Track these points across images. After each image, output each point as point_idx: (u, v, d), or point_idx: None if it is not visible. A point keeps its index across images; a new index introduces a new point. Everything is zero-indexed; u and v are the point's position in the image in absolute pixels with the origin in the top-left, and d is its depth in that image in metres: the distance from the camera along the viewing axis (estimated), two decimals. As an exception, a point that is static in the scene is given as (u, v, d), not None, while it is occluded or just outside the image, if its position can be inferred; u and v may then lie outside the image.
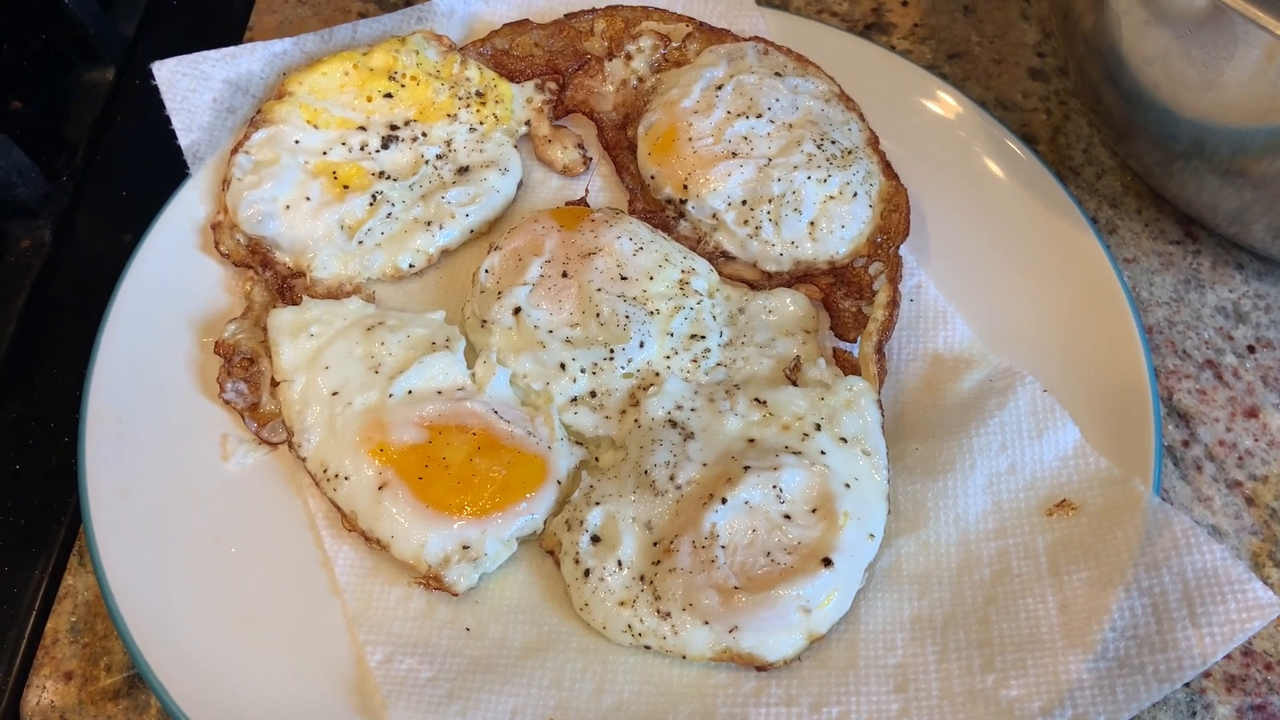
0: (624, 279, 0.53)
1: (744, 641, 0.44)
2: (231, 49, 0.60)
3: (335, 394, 0.49)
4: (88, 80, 0.67)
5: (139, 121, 0.65)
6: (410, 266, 0.56)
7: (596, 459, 0.50)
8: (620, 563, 0.46)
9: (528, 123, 0.60)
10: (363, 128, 0.58)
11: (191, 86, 0.57)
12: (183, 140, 0.57)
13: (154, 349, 0.51)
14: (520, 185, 0.59)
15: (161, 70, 0.57)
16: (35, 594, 0.48)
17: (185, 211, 0.54)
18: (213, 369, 0.51)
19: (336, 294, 0.54)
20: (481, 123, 0.59)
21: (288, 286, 0.54)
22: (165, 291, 0.52)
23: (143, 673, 0.42)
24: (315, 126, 0.57)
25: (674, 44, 0.61)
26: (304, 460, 0.49)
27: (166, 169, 0.63)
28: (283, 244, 0.55)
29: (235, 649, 0.44)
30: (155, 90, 0.65)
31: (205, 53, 0.59)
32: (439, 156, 0.58)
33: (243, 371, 0.51)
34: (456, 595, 0.45)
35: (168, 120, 0.62)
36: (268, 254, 0.54)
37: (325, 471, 0.48)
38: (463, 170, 0.58)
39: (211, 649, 0.43)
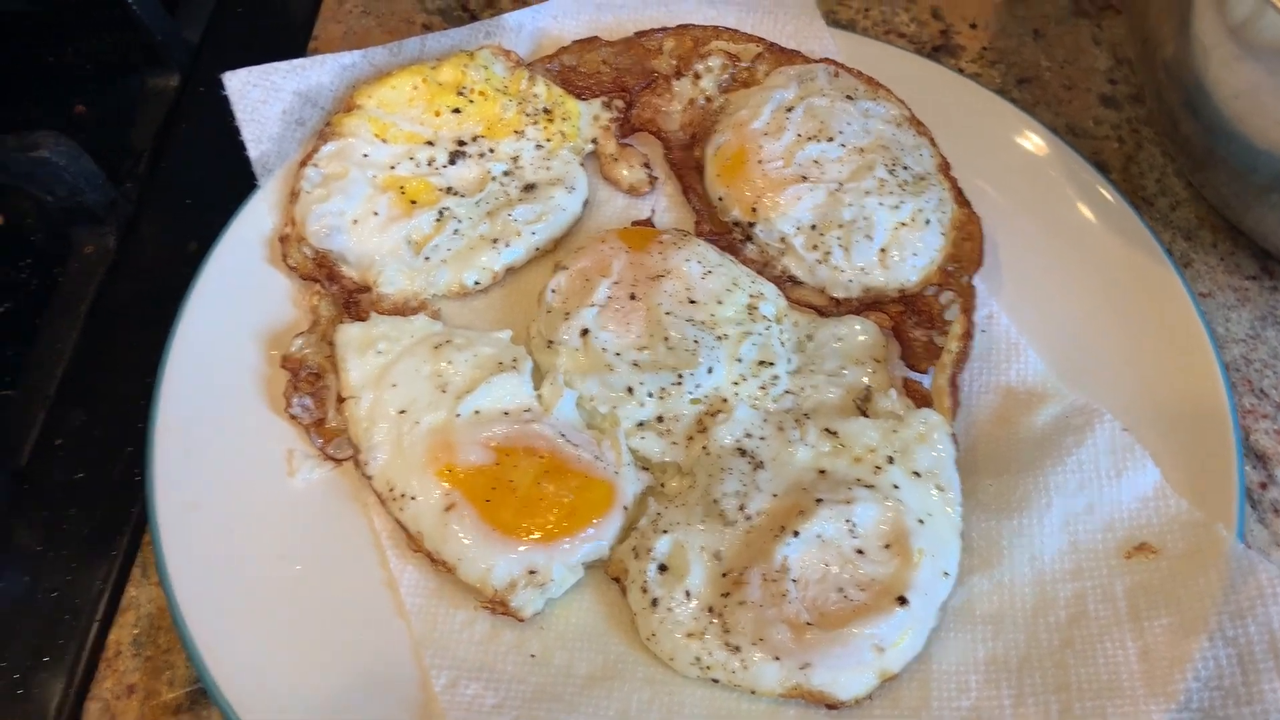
0: (692, 303, 0.53)
1: (815, 679, 0.43)
2: (301, 60, 0.60)
3: (402, 412, 0.49)
4: (152, 86, 0.67)
5: (203, 129, 0.65)
6: (476, 284, 0.55)
7: (662, 485, 0.49)
8: (688, 593, 0.45)
9: (594, 140, 0.60)
10: (430, 143, 0.58)
11: (261, 98, 0.57)
12: (252, 152, 0.57)
13: (221, 362, 0.50)
14: (586, 203, 0.58)
15: (232, 81, 0.58)
16: (97, 606, 0.48)
17: (253, 223, 0.54)
18: (279, 383, 0.51)
19: (402, 310, 0.54)
20: (549, 140, 0.59)
21: (354, 301, 0.54)
22: (232, 304, 0.52)
23: (208, 688, 0.42)
24: (384, 140, 0.57)
25: (743, 64, 0.61)
26: (370, 478, 0.48)
27: (230, 177, 0.63)
28: (349, 258, 0.55)
29: (300, 667, 0.43)
30: (220, 98, 0.65)
31: (275, 64, 0.59)
32: (506, 173, 0.58)
33: (309, 386, 0.51)
34: (522, 620, 0.45)
35: (233, 129, 0.62)
36: (334, 268, 0.54)
37: (392, 490, 0.48)
38: (529, 187, 0.58)
39: (277, 667, 0.43)
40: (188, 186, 0.64)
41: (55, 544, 0.51)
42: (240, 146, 0.63)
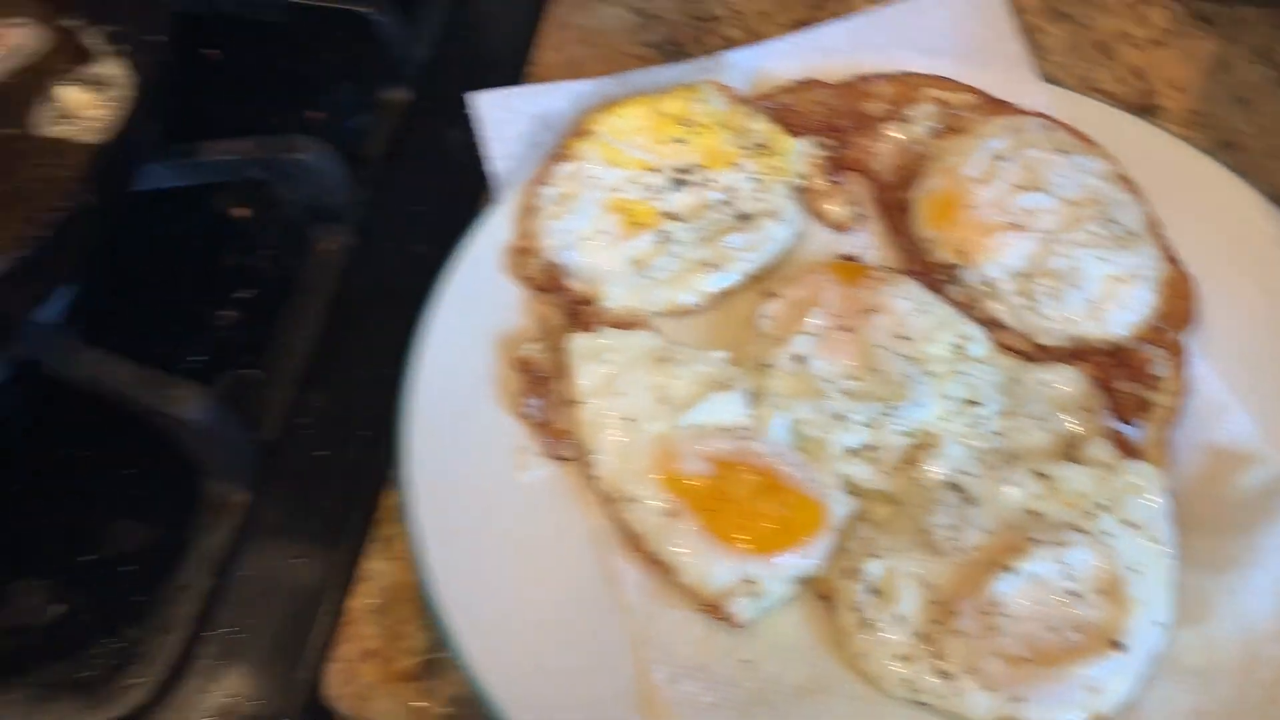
0: (902, 338, 0.55)
1: (1027, 713, 0.44)
2: (540, 87, 0.65)
3: (627, 420, 0.52)
4: (384, 99, 0.72)
5: (432, 142, 0.70)
6: (690, 304, 0.59)
7: (869, 511, 0.51)
8: (899, 617, 0.47)
9: (805, 176, 0.63)
10: (655, 169, 0.61)
11: (504, 119, 0.62)
12: (493, 168, 0.61)
13: (460, 361, 0.54)
14: (796, 236, 0.61)
15: (478, 102, 0.63)
16: (339, 574, 0.52)
17: (491, 234, 0.58)
18: (511, 383, 0.55)
19: (622, 323, 0.57)
20: (763, 173, 0.62)
21: (578, 312, 0.57)
22: (470, 307, 0.56)
23: (456, 654, 0.45)
24: (613, 165, 0.61)
25: (956, 112, 0.63)
26: (595, 479, 0.52)
27: (456, 188, 0.68)
28: (576, 272, 0.58)
29: (528, 646, 0.47)
30: (447, 114, 0.71)
31: (517, 89, 0.64)
32: (722, 202, 0.61)
33: (539, 389, 0.55)
34: (738, 626, 0.48)
35: (458, 144, 0.68)
36: (562, 280, 0.58)
37: (616, 493, 0.51)
38: (743, 217, 0.61)
39: (510, 638, 0.46)
40: (417, 194, 0.69)
41: (300, 514, 0.55)
42: (466, 160, 0.68)
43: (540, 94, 0.63)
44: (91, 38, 0.64)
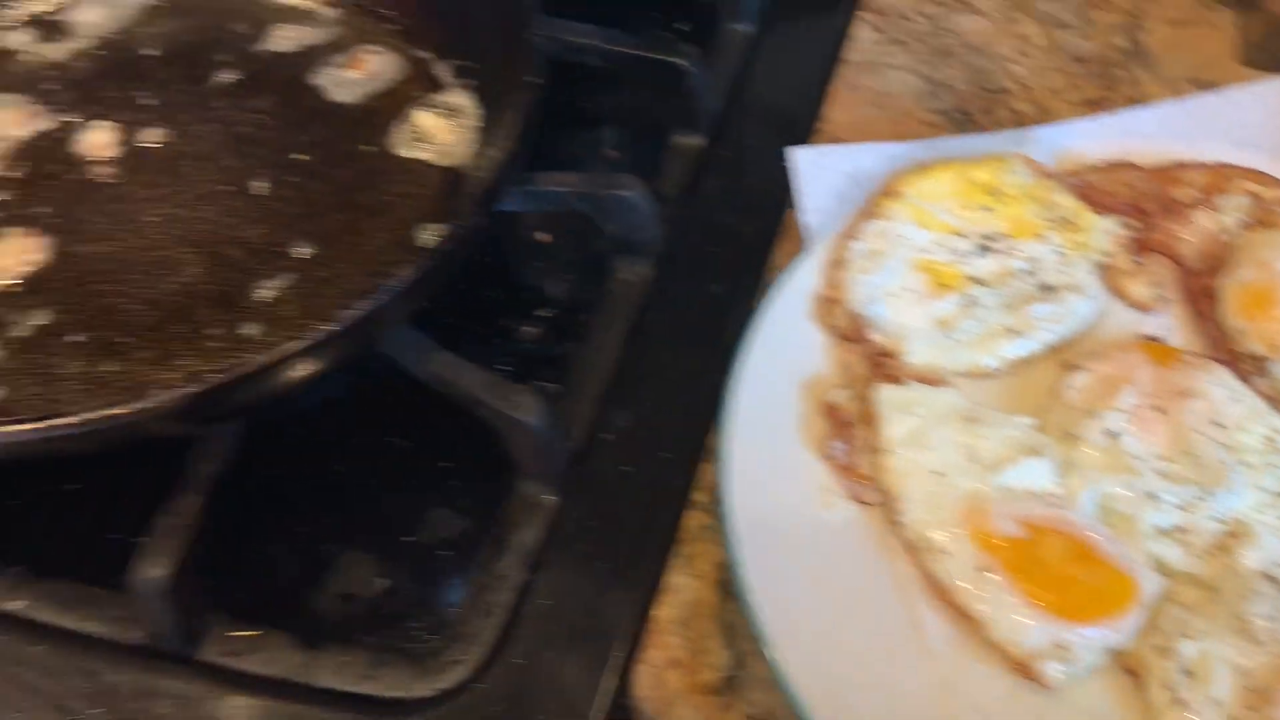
0: (1216, 425, 0.55)
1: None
2: (852, 146, 0.68)
3: (937, 473, 0.54)
4: (680, 143, 0.77)
5: (726, 187, 0.74)
6: (990, 367, 0.61)
7: (1178, 592, 0.52)
8: (1212, 700, 0.47)
9: (1108, 254, 0.64)
10: (961, 234, 0.64)
11: (818, 174, 0.65)
12: (806, 220, 0.65)
13: (771, 400, 0.58)
14: (1097, 311, 0.63)
15: (796, 157, 0.67)
16: (644, 584, 0.56)
17: (800, 282, 0.62)
18: (815, 425, 0.58)
19: (923, 378, 0.60)
20: (1067, 247, 0.63)
21: (880, 364, 0.60)
22: (779, 350, 0.59)
23: (772, 665, 0.49)
24: (921, 226, 0.64)
25: (1269, 207, 0.63)
26: (901, 526, 0.54)
27: (748, 233, 0.72)
28: (880, 326, 0.61)
29: (837, 671, 0.49)
30: (739, 162, 0.76)
31: (831, 146, 0.68)
32: (1026, 272, 0.63)
33: (843, 433, 0.58)
34: (1048, 688, 0.49)
35: (748, 189, 0.72)
36: (865, 331, 0.61)
37: (923, 542, 0.53)
38: (1046, 288, 0.62)
39: (820, 663, 0.49)
40: (711, 235, 0.73)
41: (604, 522, 0.59)
42: (758, 206, 0.72)
43: (852, 153, 0.66)
44: (441, 69, 0.71)
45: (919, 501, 0.54)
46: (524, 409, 0.57)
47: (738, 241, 0.72)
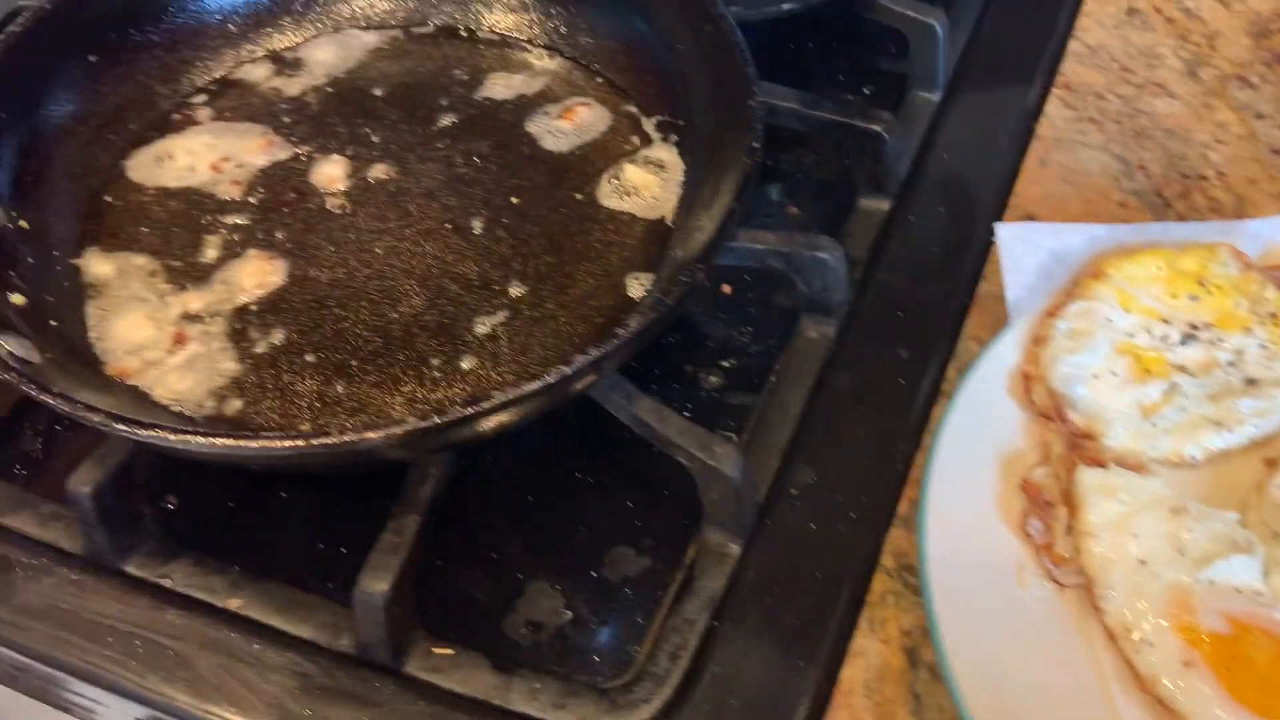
0: None
1: None
2: (1058, 225, 0.69)
3: (1142, 563, 0.54)
4: (865, 206, 0.79)
5: (911, 251, 0.75)
6: (1191, 458, 0.60)
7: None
8: None
9: (1317, 352, 0.64)
10: (1165, 321, 0.64)
11: (1023, 250, 0.66)
12: (1009, 294, 0.66)
13: (968, 474, 0.58)
14: (1305, 410, 0.62)
15: (1003, 233, 0.67)
16: (832, 643, 0.57)
17: (1000, 357, 0.62)
18: (1010, 501, 0.58)
19: (1122, 462, 0.60)
20: (1273, 342, 0.63)
21: (1078, 445, 0.60)
22: (978, 424, 0.60)
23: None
24: (1125, 310, 0.64)
25: None
26: (1102, 612, 0.54)
27: (932, 299, 0.73)
28: (1080, 407, 0.61)
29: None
30: (926, 227, 0.77)
31: (1036, 224, 0.69)
32: (1230, 364, 0.62)
33: (1042, 512, 0.58)
34: (1255, 793, 0.49)
35: (931, 256, 0.74)
36: (1065, 411, 0.61)
37: (1126, 631, 0.53)
38: (1251, 382, 0.62)
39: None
40: (896, 299, 0.74)
41: (788, 578, 0.60)
42: (942, 273, 0.74)
43: (1057, 231, 0.67)
44: (648, 125, 0.74)
45: (1121, 589, 0.54)
46: (722, 459, 0.59)
47: (925, 308, 0.73)
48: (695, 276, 0.55)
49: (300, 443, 0.48)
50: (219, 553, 0.63)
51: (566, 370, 0.51)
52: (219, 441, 0.48)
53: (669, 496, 0.66)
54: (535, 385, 0.50)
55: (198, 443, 0.48)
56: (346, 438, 0.48)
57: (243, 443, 0.48)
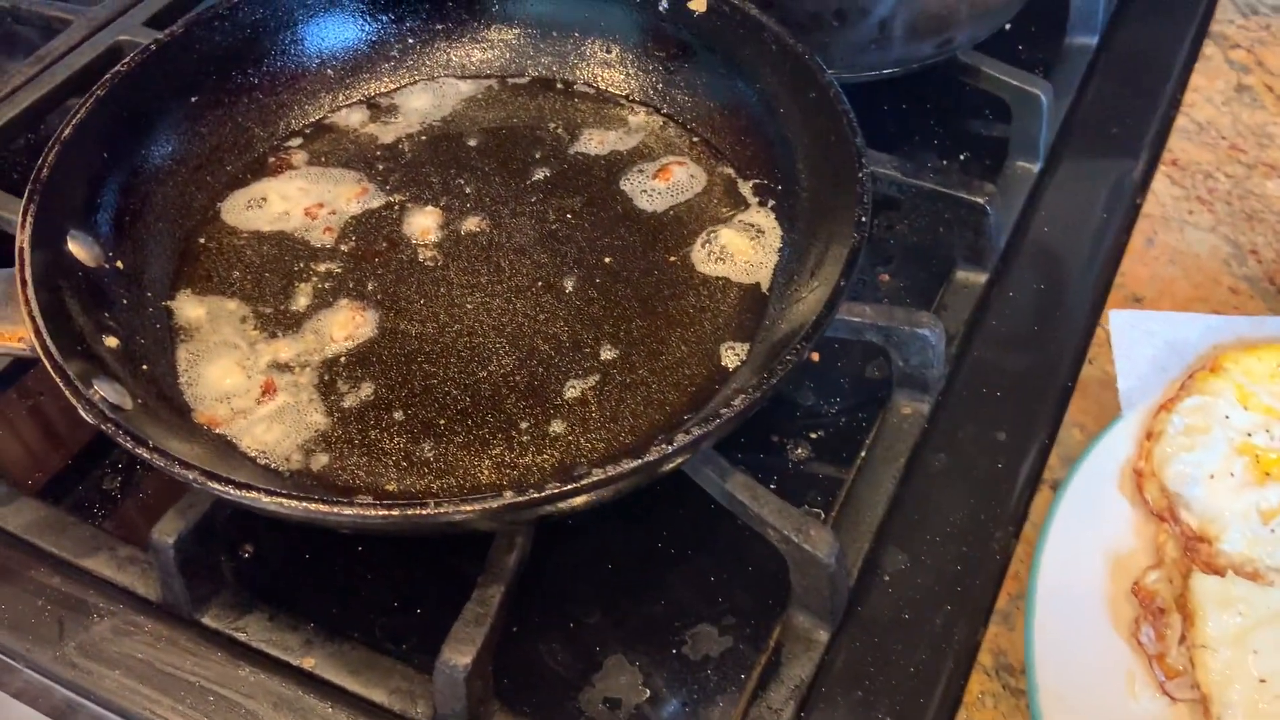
0: None
1: None
2: (1173, 314, 0.66)
3: (1262, 681, 0.51)
4: (962, 279, 0.77)
5: (1009, 328, 0.73)
6: (1314, 570, 0.58)
7: None
8: None
9: None
10: (1288, 420, 0.61)
11: (1137, 339, 0.64)
12: (1121, 384, 0.63)
13: (1077, 575, 0.56)
14: None
15: (1117, 319, 0.65)
16: (931, 737, 0.55)
17: (1111, 450, 0.60)
18: (1120, 603, 0.56)
19: (1238, 570, 0.57)
20: (1404, 449, 0.60)
21: (1192, 548, 0.58)
22: (1087, 521, 0.57)
23: None
24: (1244, 407, 0.61)
25: None
26: (1220, 733, 0.52)
27: (1028, 380, 0.70)
28: (1194, 508, 0.58)
29: None
30: (1025, 303, 0.75)
31: (1151, 312, 0.66)
32: (1358, 471, 0.60)
33: (1154, 619, 0.55)
34: None
35: (1026, 334, 0.72)
36: (1178, 512, 0.59)
37: (1247, 755, 0.50)
38: (1380, 491, 0.59)
39: None
40: (994, 377, 0.71)
41: (881, 670, 0.58)
42: (1042, 352, 0.71)
43: (1172, 320, 0.64)
44: (744, 188, 0.73)
45: (1239, 708, 0.51)
46: (818, 543, 0.56)
47: (1024, 388, 0.70)
48: (801, 355, 0.53)
49: (395, 513, 0.46)
50: (294, 606, 0.61)
51: (668, 449, 0.49)
52: (313, 507, 0.47)
53: (753, 571, 0.64)
54: (636, 463, 0.49)
55: (291, 506, 0.47)
56: (443, 510, 0.47)
57: (337, 510, 0.47)
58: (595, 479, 0.48)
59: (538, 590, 0.62)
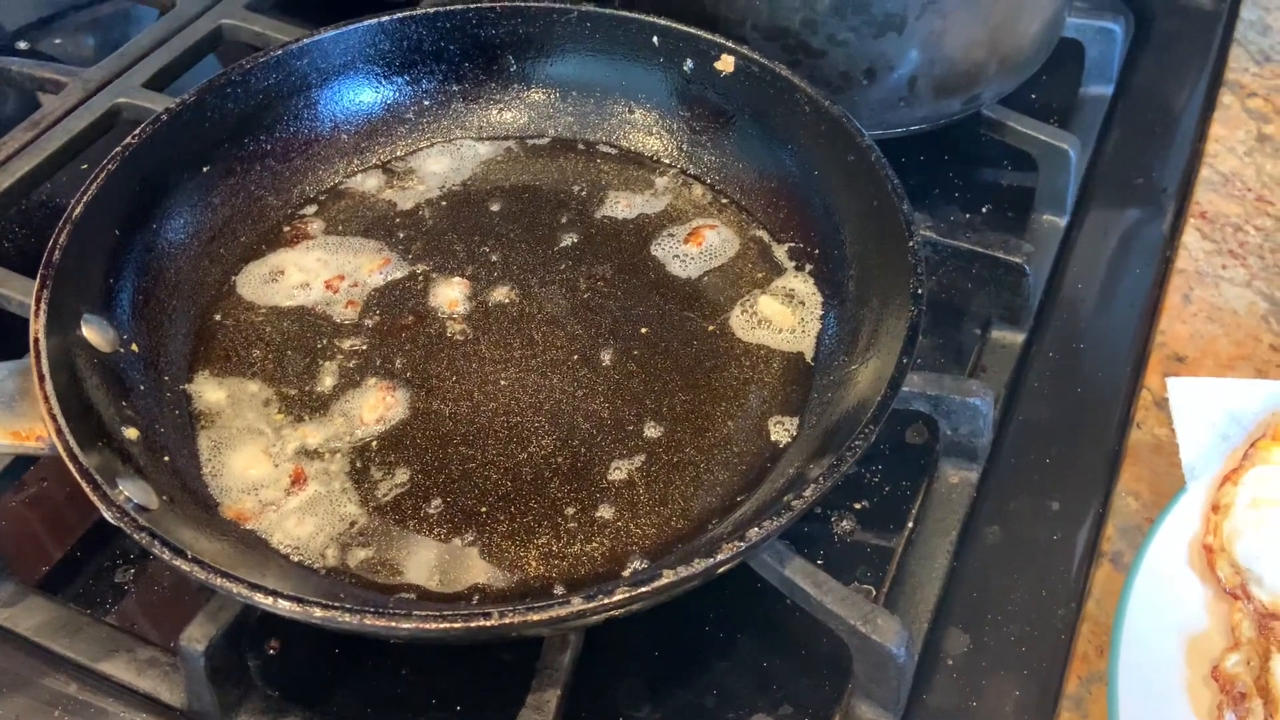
0: None
1: None
2: (1234, 381, 0.65)
3: (1359, 774, 0.50)
4: (999, 339, 0.75)
5: (1052, 389, 0.71)
6: (1392, 646, 0.56)
7: None
8: None
9: None
10: (1352, 490, 0.60)
11: (1196, 406, 0.62)
12: (1184, 456, 0.61)
13: (1154, 659, 0.54)
14: None
15: (1175, 388, 0.64)
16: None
17: (1178, 525, 0.58)
18: (1198, 688, 0.54)
19: (1315, 650, 0.55)
20: None
21: (1266, 626, 0.56)
22: (1160, 602, 0.56)
23: None
24: (1310, 477, 0.60)
25: None
26: (1319, 830, 0.50)
27: (1084, 446, 0.69)
28: (1266, 584, 0.57)
29: None
30: (1065, 363, 0.73)
31: (1211, 379, 0.64)
32: None
33: (1236, 706, 0.53)
34: None
35: (1079, 399, 0.70)
36: (1249, 589, 0.57)
37: None
38: None
39: None
40: (1041, 442, 0.70)
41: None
42: (1091, 416, 0.69)
43: (1230, 388, 0.63)
44: (779, 252, 0.71)
45: (1338, 803, 0.49)
46: (886, 634, 0.54)
47: (1073, 455, 0.68)
48: (869, 439, 0.51)
49: (457, 625, 0.43)
50: (326, 708, 0.58)
51: (741, 545, 0.47)
52: (369, 621, 0.44)
53: (807, 655, 0.61)
54: (708, 562, 0.46)
55: (344, 620, 0.44)
56: (508, 620, 0.44)
57: (394, 623, 0.44)
58: (667, 580, 0.46)
59: (583, 683, 0.59)
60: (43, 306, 0.55)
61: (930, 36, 0.73)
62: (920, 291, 0.57)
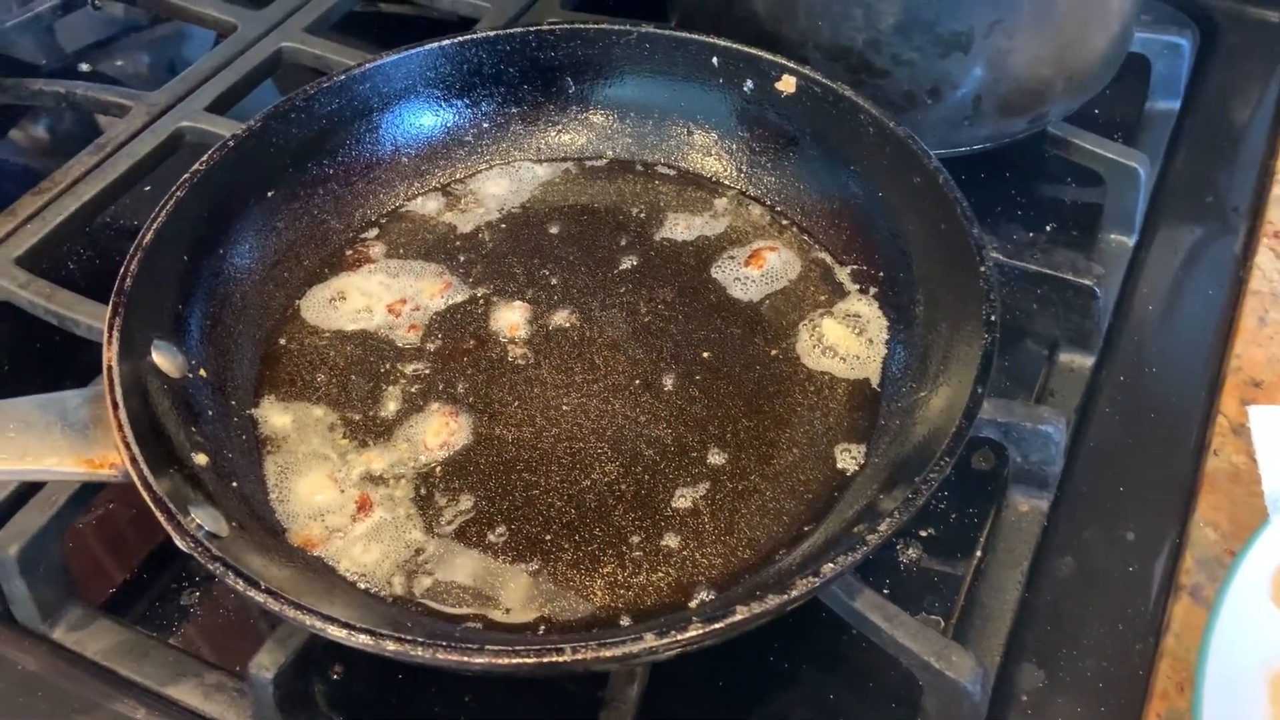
0: None
1: None
2: None
3: None
4: (1069, 363, 0.73)
5: (1123, 414, 0.69)
6: None
7: None
8: None
9: None
10: None
11: (1277, 435, 0.61)
12: (1266, 486, 0.60)
13: (1238, 697, 0.52)
14: None
15: (1257, 414, 0.62)
16: None
17: (1262, 559, 0.56)
18: (1288, 731, 0.53)
19: None
20: None
21: (1358, 666, 0.54)
22: (1243, 638, 0.54)
23: None
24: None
25: None
26: None
27: (1157, 473, 0.67)
28: (1357, 621, 0.56)
29: None
30: (1136, 387, 0.71)
31: None
32: None
33: (1328, 749, 0.52)
34: None
35: (1156, 425, 0.68)
36: (1339, 625, 0.55)
37: None
38: None
39: None
40: (1113, 470, 0.68)
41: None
42: (1164, 442, 0.67)
43: (1299, 415, 0.61)
44: (842, 275, 0.70)
45: None
46: (961, 670, 0.53)
47: (1147, 483, 0.67)
48: (945, 472, 0.50)
49: (530, 660, 0.43)
50: (390, 735, 0.58)
51: (815, 581, 0.46)
52: (441, 655, 0.44)
53: (875, 688, 0.60)
54: (782, 598, 0.45)
55: (417, 654, 0.44)
56: (580, 656, 0.43)
57: (467, 658, 0.43)
58: (741, 617, 0.45)
59: (648, 715, 0.58)
60: (115, 334, 0.56)
61: (997, 55, 0.72)
62: (994, 319, 0.56)
